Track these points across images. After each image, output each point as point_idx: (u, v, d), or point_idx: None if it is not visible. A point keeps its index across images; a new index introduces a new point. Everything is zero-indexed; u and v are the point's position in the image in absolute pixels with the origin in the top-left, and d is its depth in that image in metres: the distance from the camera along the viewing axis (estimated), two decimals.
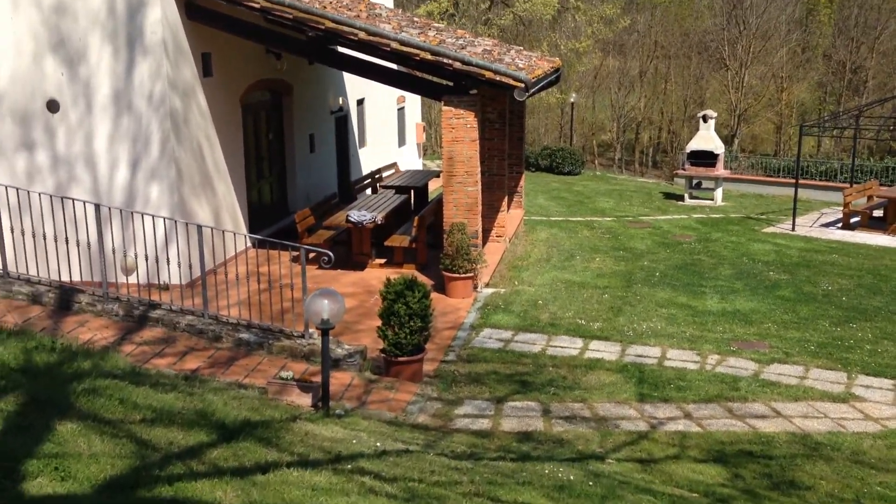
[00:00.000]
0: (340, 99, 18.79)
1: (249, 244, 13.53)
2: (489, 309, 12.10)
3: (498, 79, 11.56)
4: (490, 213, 15.15)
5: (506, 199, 15.87)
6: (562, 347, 10.63)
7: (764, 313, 12.13)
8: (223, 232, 11.13)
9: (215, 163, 13.21)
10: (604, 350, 10.55)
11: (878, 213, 18.55)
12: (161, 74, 11.69)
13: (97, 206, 10.30)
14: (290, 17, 11.94)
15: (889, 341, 10.91)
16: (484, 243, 14.20)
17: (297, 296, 10.07)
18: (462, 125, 12.23)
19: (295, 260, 13.08)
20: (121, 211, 11.18)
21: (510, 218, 16.68)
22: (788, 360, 10.23)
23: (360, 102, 20.48)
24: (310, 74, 17.02)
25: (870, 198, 19.39)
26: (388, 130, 23.01)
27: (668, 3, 47.62)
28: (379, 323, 9.35)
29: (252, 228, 14.64)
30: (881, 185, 21.45)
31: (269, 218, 15.63)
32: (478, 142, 12.39)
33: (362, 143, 20.75)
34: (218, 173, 13.31)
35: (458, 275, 12.46)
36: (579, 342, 10.82)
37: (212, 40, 12.86)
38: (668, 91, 47.64)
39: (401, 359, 9.29)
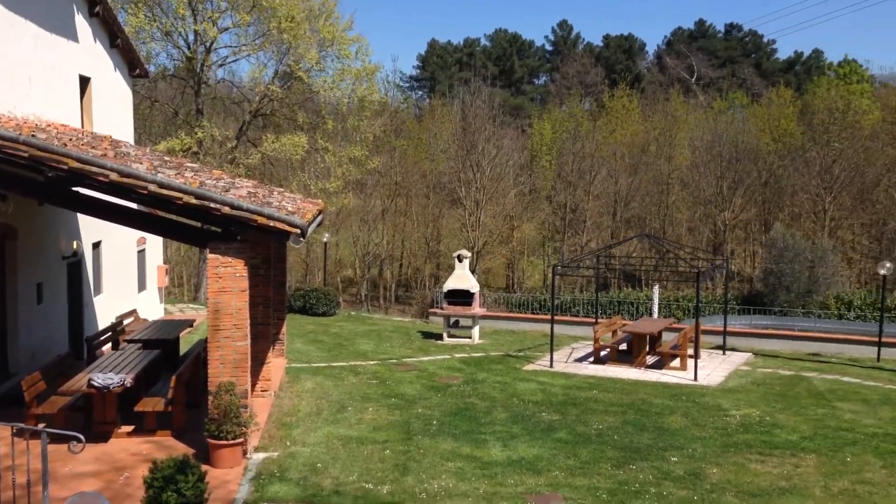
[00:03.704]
0: (75, 243, 16.82)
1: None
2: (263, 479, 10.77)
3: (272, 224, 10.75)
4: (255, 365, 13.88)
5: (270, 348, 14.74)
6: None
7: (548, 460, 11.94)
8: None
9: None
10: None
11: (623, 346, 19.65)
12: None
13: None
14: (26, 155, 10.39)
15: (669, 482, 11.08)
16: None
17: (26, 479, 8.22)
18: (230, 274, 11.15)
19: (19, 434, 10.94)
20: None
21: (274, 368, 15.49)
22: None
23: (97, 245, 18.53)
24: (39, 216, 15.06)
25: (614, 332, 20.59)
26: (128, 275, 21.02)
27: (405, 146, 49.94)
28: None
29: None
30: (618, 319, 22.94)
31: None
32: (247, 292, 11.35)
33: (98, 290, 18.66)
34: None
35: (226, 441, 11.03)
36: None
37: None
38: (409, 229, 49.30)
39: None
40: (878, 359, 20.02)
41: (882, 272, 21.08)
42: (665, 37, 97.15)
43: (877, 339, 20.42)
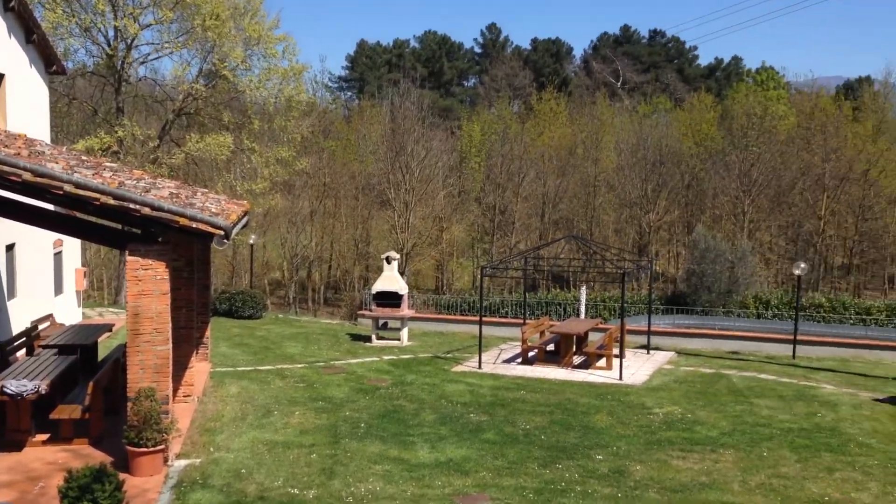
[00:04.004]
0: None
1: None
2: (185, 486, 10.52)
3: (194, 226, 10.51)
4: (177, 370, 13.55)
5: (194, 352, 14.42)
6: None
7: (476, 461, 11.98)
8: None
9: None
10: None
11: (551, 347, 19.87)
12: None
13: None
14: None
15: (594, 479, 11.25)
16: None
17: None
18: (150, 277, 10.87)
19: None
20: None
21: (197, 373, 15.16)
22: None
23: (10, 248, 17.84)
24: None
25: (542, 333, 20.80)
26: (44, 278, 20.29)
27: (334, 147, 49.57)
28: None
29: None
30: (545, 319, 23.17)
31: None
32: (169, 295, 11.07)
33: (12, 294, 17.96)
34: None
35: (146, 448, 10.74)
36: None
37: None
38: (337, 230, 48.96)
39: None
40: (794, 356, 20.73)
41: (797, 272, 21.84)
42: (591, 41, 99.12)
43: (792, 337, 21.14)
